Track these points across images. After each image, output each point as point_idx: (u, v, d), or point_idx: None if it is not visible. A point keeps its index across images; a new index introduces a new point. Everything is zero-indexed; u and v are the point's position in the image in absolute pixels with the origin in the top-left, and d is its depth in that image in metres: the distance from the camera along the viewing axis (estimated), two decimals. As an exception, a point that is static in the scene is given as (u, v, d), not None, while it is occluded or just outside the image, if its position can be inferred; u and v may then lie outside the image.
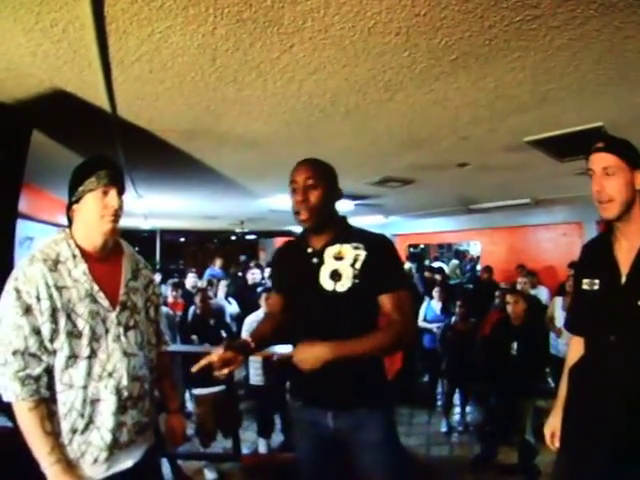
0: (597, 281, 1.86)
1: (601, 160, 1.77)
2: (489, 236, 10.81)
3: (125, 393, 1.83)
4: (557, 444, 2.06)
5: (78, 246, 1.83)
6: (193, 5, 1.81)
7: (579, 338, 2.03)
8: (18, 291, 1.68)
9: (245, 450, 4.67)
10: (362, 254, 1.98)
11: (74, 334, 1.73)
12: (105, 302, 1.83)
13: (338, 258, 1.99)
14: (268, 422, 4.98)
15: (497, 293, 6.70)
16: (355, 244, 2.01)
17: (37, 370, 1.68)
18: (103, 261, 1.89)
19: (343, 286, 1.95)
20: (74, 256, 1.80)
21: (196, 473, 4.42)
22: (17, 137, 2.56)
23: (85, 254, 1.83)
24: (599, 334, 1.86)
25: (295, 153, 4.16)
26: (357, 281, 1.95)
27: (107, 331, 1.82)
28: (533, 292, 7.03)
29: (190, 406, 5.38)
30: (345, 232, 2.08)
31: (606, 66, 2.42)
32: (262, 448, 4.94)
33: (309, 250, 2.07)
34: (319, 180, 2.00)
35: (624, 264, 1.79)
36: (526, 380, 4.28)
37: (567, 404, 2.02)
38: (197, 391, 4.76)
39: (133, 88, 2.63)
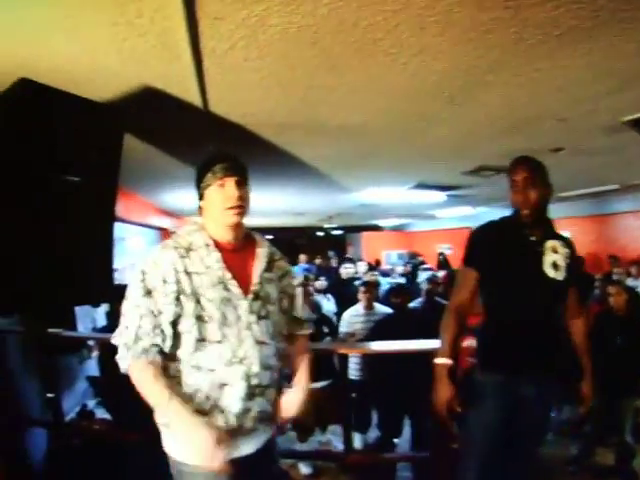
0: None
1: None
2: (577, 225, 10.16)
3: (255, 380, 1.85)
4: None
5: (211, 237, 1.89)
6: (292, -18, 1.67)
7: None
8: (144, 273, 1.78)
9: (338, 444, 4.57)
10: (568, 252, 2.41)
11: (203, 318, 1.78)
12: (237, 290, 1.85)
13: (554, 251, 2.36)
14: (365, 417, 4.90)
15: (597, 284, 6.26)
16: (561, 242, 2.41)
17: (147, 344, 1.74)
18: (237, 252, 1.94)
19: (561, 276, 2.34)
20: (207, 245, 1.86)
21: (291, 467, 4.43)
22: (110, 138, 2.55)
23: (218, 245, 1.89)
24: None
25: (391, 144, 4.10)
26: (567, 274, 2.36)
27: (239, 318, 1.84)
28: (631, 283, 6.51)
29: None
30: (553, 230, 2.46)
31: None
32: (358, 443, 4.83)
33: (532, 239, 2.36)
34: (536, 179, 2.32)
35: None
36: (631, 377, 4.03)
37: None
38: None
39: (226, 80, 2.54)
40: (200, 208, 1.95)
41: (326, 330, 5.16)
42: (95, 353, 5.25)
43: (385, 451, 4.39)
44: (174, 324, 1.78)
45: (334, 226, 16.62)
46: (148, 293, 1.76)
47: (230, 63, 2.34)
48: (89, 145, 2.42)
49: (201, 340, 1.78)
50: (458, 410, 2.26)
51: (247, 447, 1.89)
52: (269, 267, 2.02)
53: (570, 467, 4.33)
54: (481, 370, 2.41)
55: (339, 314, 5.77)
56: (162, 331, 1.76)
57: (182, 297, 1.77)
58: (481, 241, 2.45)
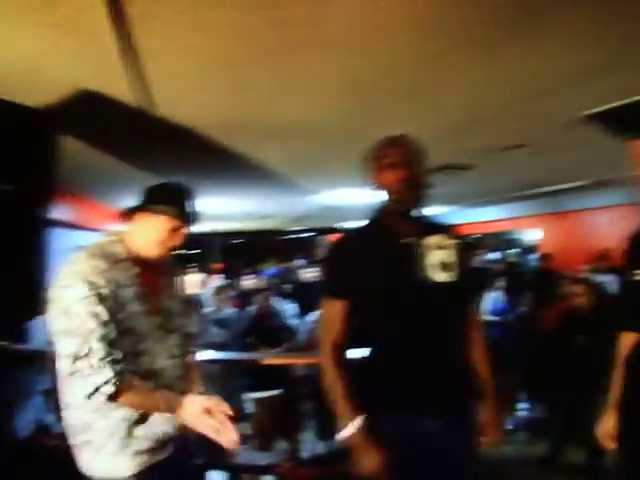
0: None
1: None
2: (546, 222, 10.33)
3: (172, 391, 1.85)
4: (612, 445, 2.04)
5: (131, 250, 1.89)
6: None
7: (632, 334, 1.99)
8: (89, 283, 1.70)
9: (304, 452, 4.55)
10: (456, 242, 2.02)
11: (128, 332, 1.77)
12: (150, 306, 1.88)
13: (439, 247, 1.95)
14: (328, 423, 4.82)
15: (561, 282, 6.39)
16: (445, 233, 2.02)
17: (119, 355, 1.71)
18: (151, 267, 1.94)
19: (453, 276, 1.92)
20: (127, 258, 1.86)
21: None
22: (43, 143, 2.48)
23: (137, 258, 1.89)
24: None
25: (349, 144, 4.03)
26: (460, 271, 1.96)
27: (151, 333, 1.86)
28: (600, 279, 6.65)
29: (249, 408, 5.32)
30: (431, 221, 2.09)
31: None
32: (321, 450, 4.82)
33: (405, 240, 1.94)
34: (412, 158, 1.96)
35: None
36: (597, 375, 4.02)
37: (627, 398, 1.98)
38: (256, 394, 4.71)
39: (169, 81, 2.51)
40: (135, 215, 1.92)
41: (285, 337, 5.13)
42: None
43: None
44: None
45: (300, 229, 16.58)
46: (102, 300, 1.70)
47: (171, 63, 2.31)
48: (21, 151, 2.36)
49: (127, 354, 1.75)
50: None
51: (164, 453, 1.89)
52: (173, 282, 2.12)
53: (541, 466, 4.39)
54: (379, 415, 1.85)
55: (301, 318, 5.75)
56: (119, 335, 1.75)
57: (115, 309, 1.74)
58: (341, 262, 2.00)
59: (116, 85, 2.52)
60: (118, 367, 1.69)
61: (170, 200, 1.89)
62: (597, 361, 3.95)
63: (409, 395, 1.86)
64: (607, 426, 2.07)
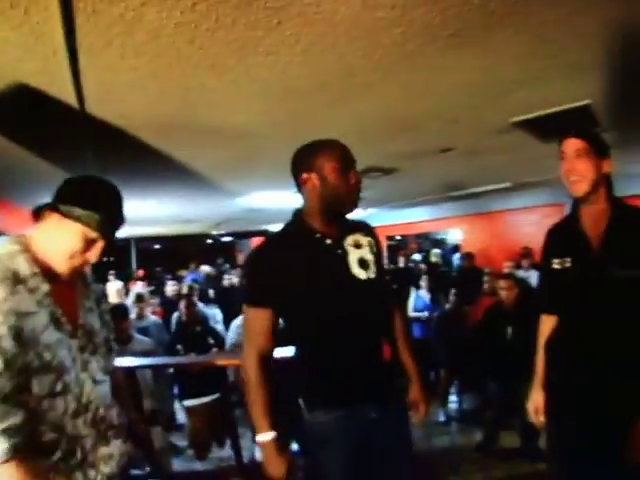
0: (569, 259, 2.06)
1: (573, 144, 2.00)
2: (470, 222, 10.74)
3: (103, 425, 1.63)
4: (542, 419, 2.24)
5: (37, 260, 1.54)
6: (172, -24, 1.61)
7: (550, 316, 2.22)
8: None
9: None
10: (371, 240, 2.09)
11: (43, 369, 1.44)
12: (68, 327, 1.57)
13: (357, 246, 2.01)
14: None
15: (486, 278, 6.65)
16: (361, 231, 2.08)
17: (17, 418, 1.36)
18: (60, 279, 1.60)
19: (372, 273, 2.00)
20: (34, 274, 1.50)
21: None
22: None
23: (45, 271, 1.54)
24: (577, 306, 2.06)
25: (275, 146, 4.06)
26: (377, 268, 2.04)
27: (74, 360, 1.56)
28: (522, 274, 7.00)
29: (182, 418, 5.21)
30: (348, 221, 2.08)
31: (600, 43, 2.39)
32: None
33: (328, 241, 1.97)
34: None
35: (593, 240, 2.00)
36: (523, 363, 4.23)
37: (549, 377, 2.20)
38: (188, 402, 4.63)
39: (103, 78, 2.42)
40: (45, 214, 1.56)
41: (212, 342, 5.07)
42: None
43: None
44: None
45: (223, 233, 16.39)
46: None
47: (106, 61, 2.22)
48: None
49: (46, 397, 1.45)
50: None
51: None
52: (87, 294, 1.75)
53: (477, 453, 4.57)
54: (315, 409, 1.94)
55: (226, 323, 5.70)
56: (21, 388, 1.39)
57: (21, 347, 1.39)
58: (263, 270, 1.96)
59: (49, 80, 2.41)
60: (13, 439, 1.33)
61: (90, 203, 1.53)
62: (522, 350, 4.22)
63: (348, 388, 1.92)
64: (535, 402, 2.26)
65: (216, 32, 2.02)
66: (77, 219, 1.50)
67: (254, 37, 2.09)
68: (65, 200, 1.53)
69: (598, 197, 2.02)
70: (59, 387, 1.48)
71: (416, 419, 2.18)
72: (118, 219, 1.62)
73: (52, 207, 1.53)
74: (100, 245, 1.58)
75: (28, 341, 1.41)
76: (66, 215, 1.50)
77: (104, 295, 1.88)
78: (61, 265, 1.55)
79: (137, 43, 2.07)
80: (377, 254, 2.06)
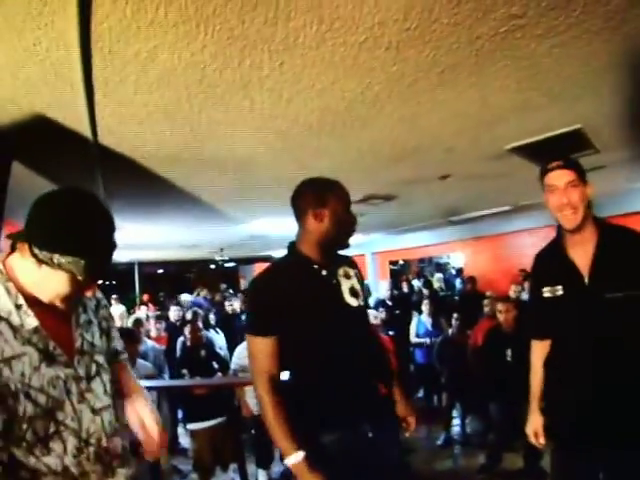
0: (559, 287, 2.08)
1: (564, 175, 2.02)
2: (471, 246, 10.77)
3: (107, 457, 1.48)
4: (542, 441, 2.26)
5: (20, 290, 1.35)
6: (184, 22, 1.76)
7: (542, 342, 2.24)
8: None
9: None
10: (356, 271, 2.23)
11: (36, 416, 1.31)
12: (63, 358, 1.41)
13: (347, 277, 2.15)
14: (267, 452, 4.82)
15: (486, 302, 6.71)
16: (347, 264, 2.21)
17: None
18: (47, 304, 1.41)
19: (361, 300, 2.15)
20: (18, 306, 1.33)
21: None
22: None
23: (30, 302, 1.35)
24: (571, 333, 2.08)
25: (278, 175, 4.20)
26: (363, 296, 2.19)
27: (69, 393, 1.40)
28: (526, 297, 6.99)
29: (185, 442, 5.22)
30: (337, 253, 2.21)
31: (586, 70, 2.48)
32: (262, 479, 4.81)
33: (324, 273, 2.09)
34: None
35: (583, 268, 2.01)
36: (524, 384, 4.26)
37: (548, 400, 2.24)
38: (192, 426, 4.65)
39: (116, 112, 2.56)
40: (22, 248, 1.33)
41: (216, 366, 5.13)
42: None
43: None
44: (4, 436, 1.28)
45: (226, 258, 16.46)
46: None
47: (120, 96, 2.37)
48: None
49: (37, 442, 1.32)
50: None
51: None
52: (83, 308, 1.58)
53: (480, 475, 4.53)
54: (316, 431, 1.97)
55: (229, 349, 5.73)
56: None
57: (7, 398, 1.27)
58: (265, 299, 2.02)
59: (66, 113, 2.54)
60: None
61: (73, 246, 1.28)
62: (523, 372, 4.25)
63: (349, 409, 1.99)
64: (534, 425, 2.29)
65: (223, 71, 2.18)
66: (59, 267, 1.29)
67: (259, 76, 2.24)
68: (41, 244, 1.28)
69: (586, 224, 2.02)
70: (53, 428, 1.35)
71: (407, 432, 2.29)
72: (108, 255, 1.41)
73: (31, 251, 1.30)
74: (89, 292, 1.46)
75: (18, 389, 1.29)
76: (45, 263, 1.29)
77: (101, 301, 1.70)
78: (50, 301, 1.39)
79: (150, 81, 2.22)
80: (362, 284, 2.20)
